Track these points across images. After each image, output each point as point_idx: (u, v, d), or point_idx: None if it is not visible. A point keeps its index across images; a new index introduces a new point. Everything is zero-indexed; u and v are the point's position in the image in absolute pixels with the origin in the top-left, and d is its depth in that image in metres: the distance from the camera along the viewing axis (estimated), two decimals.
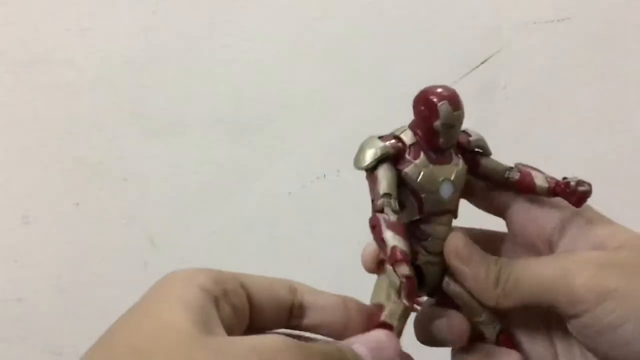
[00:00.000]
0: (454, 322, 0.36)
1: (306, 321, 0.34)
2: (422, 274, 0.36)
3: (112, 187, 0.75)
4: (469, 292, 0.36)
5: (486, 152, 0.37)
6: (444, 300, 0.37)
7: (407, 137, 0.35)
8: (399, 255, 0.32)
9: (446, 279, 0.37)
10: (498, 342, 0.37)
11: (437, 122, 0.34)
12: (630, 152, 0.76)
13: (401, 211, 0.34)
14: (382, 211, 0.33)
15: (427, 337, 0.37)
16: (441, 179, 0.35)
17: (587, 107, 0.76)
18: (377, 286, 0.37)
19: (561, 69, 0.75)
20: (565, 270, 0.33)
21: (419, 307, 0.38)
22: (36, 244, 0.75)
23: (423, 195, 0.35)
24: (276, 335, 0.30)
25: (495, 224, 0.39)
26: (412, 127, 0.35)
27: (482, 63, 0.74)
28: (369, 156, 0.34)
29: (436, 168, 0.35)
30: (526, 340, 0.38)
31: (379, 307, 0.35)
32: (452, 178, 0.35)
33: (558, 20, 0.74)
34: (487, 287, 0.34)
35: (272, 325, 0.34)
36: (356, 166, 0.34)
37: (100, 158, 0.74)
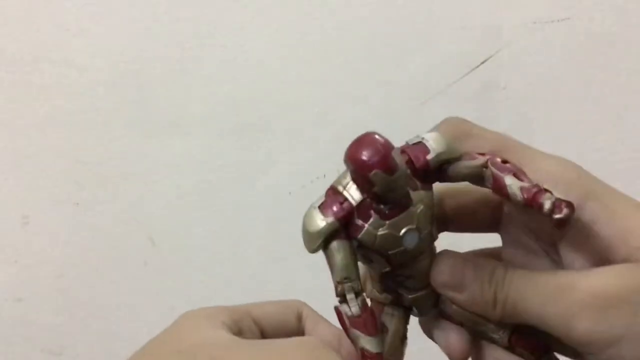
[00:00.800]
0: (451, 341, 0.34)
1: None
2: (414, 307, 0.34)
3: (112, 187, 0.75)
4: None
5: (453, 159, 0.32)
6: (446, 315, 0.35)
7: (353, 193, 0.31)
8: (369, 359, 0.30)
9: (441, 305, 0.34)
10: (511, 346, 0.34)
11: (375, 189, 0.30)
12: (631, 152, 0.76)
13: (370, 264, 0.32)
14: (344, 297, 0.30)
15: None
16: (402, 232, 0.31)
17: (587, 107, 0.76)
18: None
19: (561, 69, 0.75)
20: (566, 310, 0.30)
21: None
22: (36, 244, 0.75)
23: (388, 253, 0.31)
24: (312, 337, 0.33)
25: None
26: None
27: (482, 63, 0.74)
28: (314, 238, 0.30)
29: (392, 223, 0.30)
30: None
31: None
32: (414, 226, 0.31)
33: (558, 20, 0.74)
34: (486, 309, 0.32)
35: None
36: (307, 250, 0.31)
37: (100, 158, 0.74)
